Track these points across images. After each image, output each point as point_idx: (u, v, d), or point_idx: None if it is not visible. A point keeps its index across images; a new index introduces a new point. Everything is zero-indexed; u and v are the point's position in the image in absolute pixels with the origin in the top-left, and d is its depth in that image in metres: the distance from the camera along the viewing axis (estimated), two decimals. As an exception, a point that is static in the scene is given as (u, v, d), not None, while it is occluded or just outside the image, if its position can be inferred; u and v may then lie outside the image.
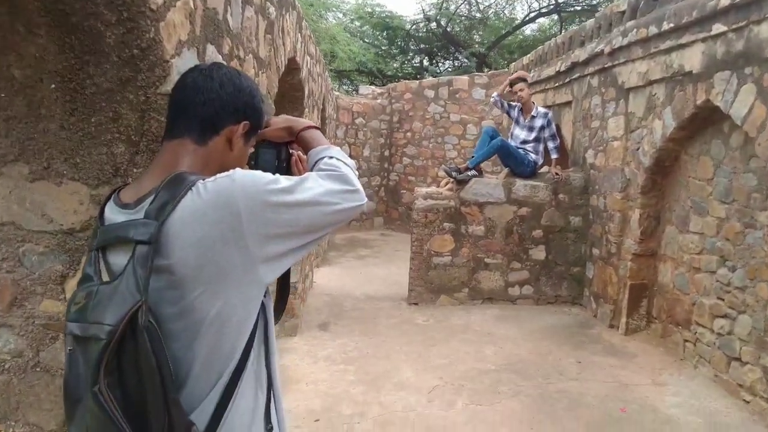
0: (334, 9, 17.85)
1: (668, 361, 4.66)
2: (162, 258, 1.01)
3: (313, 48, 5.32)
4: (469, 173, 5.98)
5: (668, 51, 4.57)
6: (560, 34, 7.01)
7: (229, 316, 1.07)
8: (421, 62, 19.32)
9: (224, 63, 1.27)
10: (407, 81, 11.26)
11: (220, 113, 1.22)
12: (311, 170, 1.32)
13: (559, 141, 6.17)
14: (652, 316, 5.18)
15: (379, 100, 10.89)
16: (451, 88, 10.33)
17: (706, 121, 4.37)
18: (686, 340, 4.64)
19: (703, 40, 4.15)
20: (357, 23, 18.32)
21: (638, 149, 5.09)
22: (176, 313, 1.03)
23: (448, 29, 17.69)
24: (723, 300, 4.19)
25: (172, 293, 1.02)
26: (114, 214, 1.15)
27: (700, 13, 4.08)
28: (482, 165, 6.28)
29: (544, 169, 6.26)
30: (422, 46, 18.51)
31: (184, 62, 1.61)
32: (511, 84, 6.22)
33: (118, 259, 1.07)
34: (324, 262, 8.00)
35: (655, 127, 4.83)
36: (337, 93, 11.00)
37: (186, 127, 1.20)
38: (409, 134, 10.73)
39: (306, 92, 4.80)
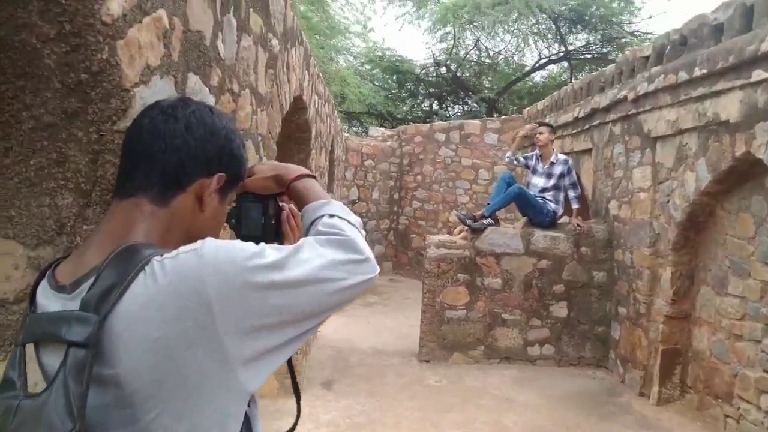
0: (344, 52, 17.91)
1: (707, 437, 4.18)
2: (105, 366, 0.75)
3: (322, 87, 5.05)
4: (485, 221, 5.61)
5: (701, 98, 4.25)
6: (573, 81, 6.79)
7: None
8: (430, 106, 19.28)
9: (191, 99, 0.91)
10: (417, 124, 11.05)
11: (187, 164, 0.92)
12: (306, 233, 1.03)
13: (580, 190, 5.80)
14: (687, 386, 4.71)
15: (389, 143, 10.65)
16: (462, 132, 10.08)
17: (745, 174, 4.01)
18: (727, 416, 4.16)
19: (741, 87, 3.82)
20: (367, 66, 18.37)
21: (668, 202, 4.72)
22: None
23: (458, 74, 17.69)
24: (771, 373, 3.74)
25: (121, 413, 0.75)
26: (47, 299, 0.85)
27: (737, 58, 3.77)
28: (497, 213, 5.93)
29: (564, 219, 5.88)
30: (432, 90, 18.51)
31: (153, 93, 1.28)
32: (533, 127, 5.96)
33: (52, 360, 0.79)
34: (328, 311, 7.56)
35: (688, 179, 4.47)
36: (346, 134, 10.79)
37: (142, 183, 0.90)
38: (419, 177, 10.43)
39: (313, 133, 4.50)
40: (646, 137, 5.05)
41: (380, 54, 17.66)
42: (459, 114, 19.22)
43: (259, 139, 2.50)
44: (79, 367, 0.72)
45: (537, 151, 5.91)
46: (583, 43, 16.66)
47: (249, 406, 0.86)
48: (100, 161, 1.19)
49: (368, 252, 0.95)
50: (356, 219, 1.06)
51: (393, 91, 18.68)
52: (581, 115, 6.27)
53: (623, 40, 15.78)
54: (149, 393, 0.74)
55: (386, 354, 5.84)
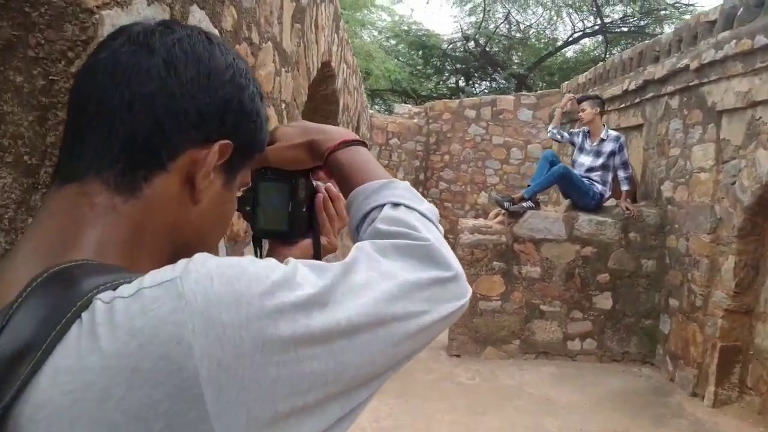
0: (369, 26, 17.43)
1: (774, 446, 3.76)
2: None
3: (351, 56, 4.62)
4: (524, 204, 5.17)
5: (782, 66, 3.75)
6: (607, 56, 6.24)
7: None
8: (456, 83, 18.74)
9: (179, 22, 0.50)
10: (446, 100, 10.56)
11: (168, 125, 0.55)
12: (357, 231, 0.70)
13: (631, 170, 5.31)
14: (747, 386, 4.27)
15: (415, 120, 10.19)
16: (494, 108, 9.57)
17: (835, 152, 3.53)
18: (798, 423, 3.74)
19: (836, 52, 3.32)
20: (392, 41, 17.89)
21: (734, 183, 4.24)
22: None
23: (486, 49, 17.07)
24: None
25: None
26: None
27: (832, 18, 3.27)
28: (537, 195, 5.49)
29: (611, 202, 5.41)
30: (458, 66, 17.97)
31: (132, 21, 0.89)
32: (579, 101, 5.43)
33: None
34: (351, 296, 7.24)
35: (760, 158, 3.98)
36: (371, 111, 10.36)
37: (94, 159, 0.55)
38: (446, 157, 9.98)
39: (341, 106, 4.10)
40: (709, 111, 4.55)
41: (406, 28, 17.21)
42: (486, 91, 18.66)
43: (283, 106, 2.11)
44: None
45: (584, 127, 5.42)
46: (620, 16, 15.92)
47: None
48: (51, 121, 0.81)
49: (457, 265, 0.61)
50: (431, 208, 0.69)
51: (418, 67, 18.21)
52: (631, 87, 5.75)
53: (663, 12, 15.03)
54: None
55: (414, 347, 5.48)
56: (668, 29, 10.91)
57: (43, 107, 0.80)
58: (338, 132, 0.77)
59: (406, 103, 17.90)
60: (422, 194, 10.06)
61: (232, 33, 1.39)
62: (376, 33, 17.99)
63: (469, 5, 16.73)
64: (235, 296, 0.43)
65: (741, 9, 4.27)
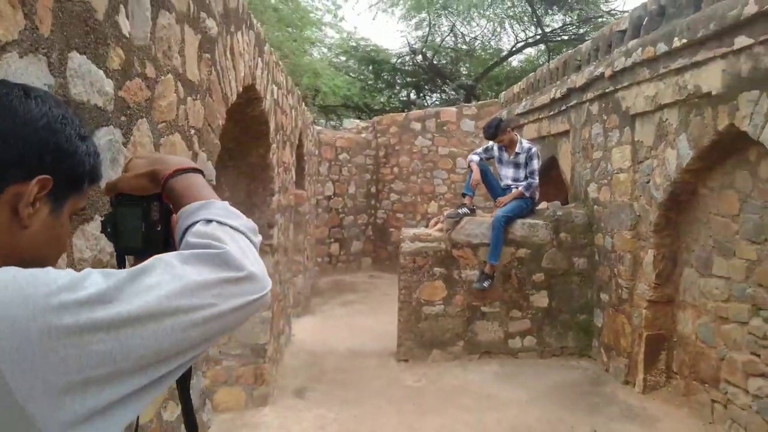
0: (318, 44, 17.59)
1: (696, 425, 4.03)
2: None
3: (282, 77, 4.79)
4: (460, 211, 5.41)
5: (680, 71, 4.07)
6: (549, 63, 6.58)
7: None
8: (408, 96, 19.07)
9: (6, 81, 0.66)
10: (393, 114, 10.81)
11: None
12: (179, 244, 0.81)
13: (535, 181, 5.55)
14: (673, 371, 4.56)
15: (363, 135, 10.41)
16: (438, 120, 9.86)
17: (728, 149, 3.84)
18: (715, 401, 4.02)
19: (723, 56, 3.64)
20: (342, 57, 18.08)
21: (649, 182, 4.55)
22: None
23: (435, 62, 17.48)
24: (759, 356, 3.59)
25: None
26: None
27: (719, 25, 3.58)
28: (475, 201, 5.74)
29: (542, 205, 5.70)
30: (409, 79, 18.29)
31: (8, 76, 1.04)
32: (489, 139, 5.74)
33: None
34: (305, 311, 7.34)
35: (668, 157, 4.30)
36: (319, 128, 10.52)
37: None
38: (396, 169, 10.21)
39: (272, 126, 4.24)
40: (624, 115, 4.87)
41: (354, 44, 17.38)
42: (437, 102, 19.01)
43: (192, 132, 2.25)
44: None
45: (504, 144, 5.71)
46: (560, 25, 16.53)
47: None
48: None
49: (252, 267, 0.74)
50: (245, 222, 0.83)
51: (369, 82, 18.39)
52: (557, 95, 6.08)
53: (600, 19, 15.66)
54: None
55: (363, 355, 5.63)
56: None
57: None
58: (175, 161, 0.92)
59: (359, 117, 18.13)
60: (374, 206, 10.26)
61: (121, 71, 1.54)
62: (325, 50, 18.19)
63: (415, 20, 17.10)
64: (23, 297, 0.58)
65: (646, 18, 4.61)
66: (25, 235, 0.73)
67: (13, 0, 1.07)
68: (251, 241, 0.81)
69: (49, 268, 0.65)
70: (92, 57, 1.38)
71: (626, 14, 5.03)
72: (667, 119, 4.34)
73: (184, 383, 0.94)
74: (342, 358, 5.55)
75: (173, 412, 2.14)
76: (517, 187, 5.54)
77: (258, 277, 0.75)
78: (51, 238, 0.77)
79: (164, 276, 0.67)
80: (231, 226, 0.80)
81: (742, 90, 3.48)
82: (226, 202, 0.87)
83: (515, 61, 18.41)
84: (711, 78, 3.75)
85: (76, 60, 1.31)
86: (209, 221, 0.80)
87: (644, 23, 4.60)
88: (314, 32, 16.62)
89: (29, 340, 0.57)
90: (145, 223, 0.95)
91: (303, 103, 6.88)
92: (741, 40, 3.43)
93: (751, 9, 3.27)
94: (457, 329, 5.40)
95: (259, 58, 3.71)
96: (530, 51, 17.91)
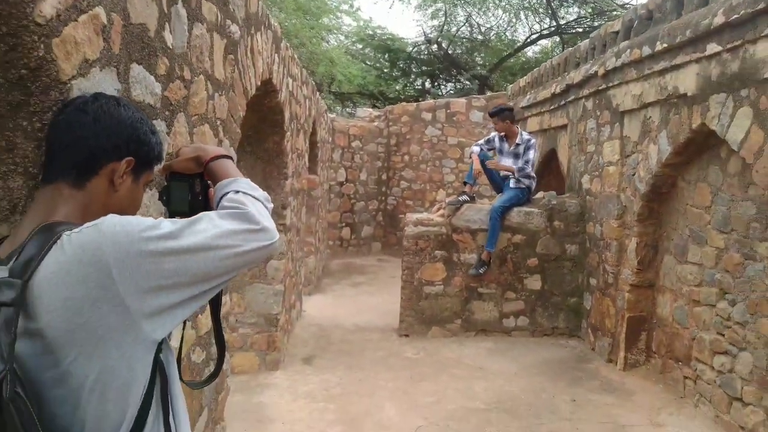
0: (335, 31, 17.92)
1: (668, 399, 4.42)
2: (31, 321, 0.92)
3: (297, 69, 5.20)
4: (460, 198, 5.81)
5: (662, 72, 4.42)
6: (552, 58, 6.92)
7: (110, 381, 0.95)
8: (423, 84, 19.36)
9: (104, 94, 1.11)
10: (404, 103, 11.18)
11: (97, 151, 1.10)
12: (216, 207, 1.19)
13: (529, 170, 5.90)
14: (652, 351, 4.94)
15: (376, 123, 10.79)
16: (448, 110, 10.23)
17: (702, 145, 4.20)
18: (686, 377, 4.40)
19: (698, 60, 3.99)
20: (359, 45, 18.40)
21: (634, 175, 4.91)
22: (56, 378, 0.92)
23: (450, 51, 17.73)
24: (723, 335, 3.97)
25: (48, 358, 0.92)
26: None
27: (693, 32, 3.94)
28: (475, 189, 6.13)
29: (539, 195, 6.07)
30: (424, 68, 18.56)
31: (93, 84, 1.46)
32: (490, 116, 6.16)
33: None
34: (317, 290, 7.81)
35: (651, 152, 4.65)
36: (332, 115, 10.92)
37: (60, 171, 1.09)
38: (406, 157, 10.60)
39: (287, 116, 4.66)
40: (614, 112, 5.22)
41: (371, 32, 17.67)
42: (452, 92, 19.30)
43: (218, 123, 2.68)
44: (9, 323, 0.89)
45: (501, 132, 6.08)
46: (575, 17, 16.70)
47: (161, 352, 1.04)
48: (43, 147, 1.38)
49: (265, 222, 1.12)
50: (262, 194, 1.24)
51: (385, 70, 18.69)
52: (557, 91, 6.43)
53: (615, 12, 15.82)
54: (65, 341, 0.91)
55: (368, 330, 6.08)
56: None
57: (39, 139, 1.37)
58: (213, 150, 1.35)
59: (375, 105, 18.47)
60: (385, 193, 10.67)
61: (166, 75, 1.96)
62: (342, 38, 18.52)
63: (431, 9, 17.31)
64: (126, 230, 0.98)
65: (636, 21, 4.94)
66: (116, 196, 1.15)
67: (97, 29, 1.49)
68: (265, 206, 1.22)
69: (137, 216, 1.07)
70: (146, 66, 1.80)
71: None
72: (650, 117, 4.69)
73: (216, 309, 1.36)
74: (348, 332, 6.00)
75: (199, 355, 2.59)
76: (516, 178, 5.91)
77: (269, 230, 1.13)
78: (131, 200, 1.20)
79: (208, 225, 1.07)
80: (252, 196, 1.21)
81: (713, 92, 3.82)
82: (249, 179, 1.28)
83: (530, 52, 18.61)
84: (687, 80, 4.10)
85: (136, 69, 1.73)
86: (237, 192, 1.21)
87: (634, 26, 4.93)
88: (331, 20, 16.95)
89: (129, 255, 0.97)
90: (191, 194, 1.38)
91: (317, 93, 7.29)
92: (712, 47, 3.77)
93: (720, 19, 3.61)
94: (455, 308, 5.82)
95: (276, 54, 4.12)
96: (545, 43, 18.11)
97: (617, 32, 5.31)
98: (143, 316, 0.96)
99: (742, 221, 3.81)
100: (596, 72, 5.38)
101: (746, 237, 3.77)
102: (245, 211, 1.10)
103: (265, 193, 1.26)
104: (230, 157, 1.36)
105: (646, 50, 4.53)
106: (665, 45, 4.26)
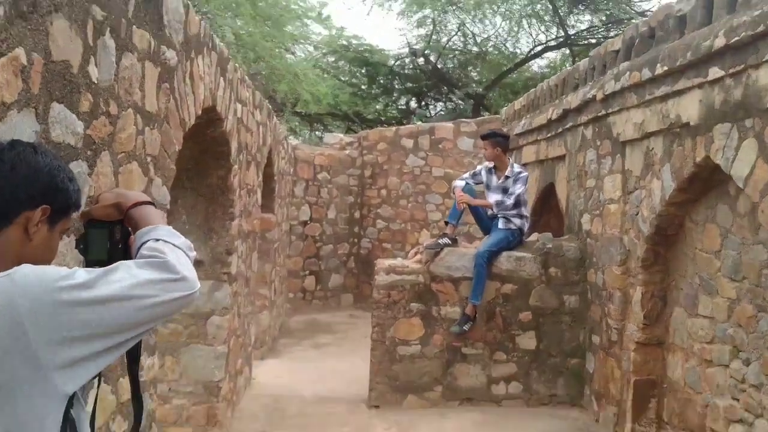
0: (302, 41, 18.29)
1: (682, 478, 4.65)
2: None
3: (248, 93, 5.53)
4: (440, 241, 6.09)
5: (664, 98, 4.79)
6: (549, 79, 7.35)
7: None
8: (407, 104, 19.78)
9: (21, 141, 1.38)
10: (381, 128, 11.58)
11: (11, 200, 1.34)
12: (135, 256, 1.44)
13: (510, 202, 6.16)
14: (663, 421, 5.18)
15: (347, 151, 11.15)
16: (433, 137, 10.64)
17: (708, 181, 4.54)
18: (702, 452, 4.64)
19: (700, 86, 4.36)
20: (330, 58, 18.75)
21: (637, 214, 5.24)
22: None
23: (439, 66, 18.21)
24: (738, 400, 4.23)
25: None
26: None
27: (694, 54, 4.31)
28: (459, 230, 6.43)
29: (533, 237, 6.39)
30: (409, 85, 18.96)
31: (9, 128, 1.74)
32: (482, 138, 6.49)
33: None
34: (271, 353, 7.99)
35: (654, 189, 4.99)
36: (296, 141, 11.26)
37: None
38: (383, 192, 10.94)
39: (234, 146, 4.96)
40: (615, 141, 5.59)
41: (345, 43, 17.93)
42: (442, 112, 19.77)
43: (149, 160, 2.95)
44: None
45: (487, 164, 6.42)
46: (586, 26, 17.34)
47: (72, 407, 1.26)
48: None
49: (185, 271, 1.37)
50: (183, 241, 1.50)
51: (362, 87, 19.01)
52: (554, 116, 6.81)
53: (633, 21, 16.54)
54: None
55: (332, 401, 6.26)
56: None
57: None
58: (134, 196, 1.62)
59: (350, 128, 18.83)
60: (358, 234, 10.96)
61: (89, 113, 2.24)
62: (311, 48, 18.91)
63: (417, 16, 17.73)
64: (40, 281, 1.23)
65: (638, 40, 5.35)
66: (31, 245, 1.39)
67: (16, 71, 1.78)
68: (187, 254, 1.49)
69: (53, 265, 1.33)
70: (68, 104, 2.08)
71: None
72: (653, 148, 5.05)
73: (132, 363, 1.61)
74: (307, 403, 6.18)
75: (120, 425, 2.80)
76: (505, 216, 6.22)
77: (189, 279, 1.39)
78: (47, 248, 1.45)
79: (125, 274, 1.32)
80: (173, 244, 1.47)
81: (716, 122, 4.18)
82: (170, 227, 1.55)
83: (535, 66, 19.13)
84: (690, 108, 4.47)
85: (56, 108, 2.01)
86: (157, 240, 1.47)
87: (635, 45, 5.34)
88: (297, 27, 17.37)
89: (42, 305, 1.21)
90: (111, 242, 1.64)
91: (275, 118, 7.63)
92: (714, 71, 4.15)
93: (721, 41, 4.00)
94: (435, 373, 6.05)
95: (222, 78, 4.45)
96: (552, 55, 18.72)
97: (618, 51, 5.71)
98: (55, 367, 1.17)
99: (754, 268, 4.12)
100: (594, 96, 5.77)
101: (758, 286, 4.08)
102: (164, 260, 1.34)
103: (187, 240, 1.53)
104: (152, 203, 1.63)
105: (646, 73, 4.92)
106: (666, 68, 4.64)
